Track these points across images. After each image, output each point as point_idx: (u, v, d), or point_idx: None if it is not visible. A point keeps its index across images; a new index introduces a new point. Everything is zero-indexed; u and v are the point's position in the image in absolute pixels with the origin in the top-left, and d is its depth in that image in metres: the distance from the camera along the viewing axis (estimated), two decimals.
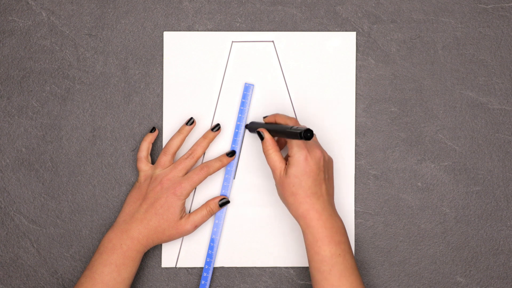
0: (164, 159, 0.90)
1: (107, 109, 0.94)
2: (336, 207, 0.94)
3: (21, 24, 0.94)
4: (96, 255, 0.86)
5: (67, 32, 0.94)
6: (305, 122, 0.94)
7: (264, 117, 0.90)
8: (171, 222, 0.87)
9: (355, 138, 0.94)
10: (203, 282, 0.92)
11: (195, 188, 0.93)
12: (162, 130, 0.94)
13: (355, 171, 0.94)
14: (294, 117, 0.92)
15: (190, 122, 0.92)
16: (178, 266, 0.94)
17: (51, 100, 0.94)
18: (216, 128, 0.92)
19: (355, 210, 0.94)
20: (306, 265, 0.94)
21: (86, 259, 0.94)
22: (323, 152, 0.84)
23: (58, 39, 0.94)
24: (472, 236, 0.94)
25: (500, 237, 0.94)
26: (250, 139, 0.94)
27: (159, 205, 0.87)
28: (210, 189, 0.94)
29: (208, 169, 0.89)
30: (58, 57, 0.94)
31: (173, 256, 0.94)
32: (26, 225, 0.94)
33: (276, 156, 0.85)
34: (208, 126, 0.94)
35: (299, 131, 0.78)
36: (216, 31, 0.94)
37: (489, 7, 0.95)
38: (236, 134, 0.93)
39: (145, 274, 0.94)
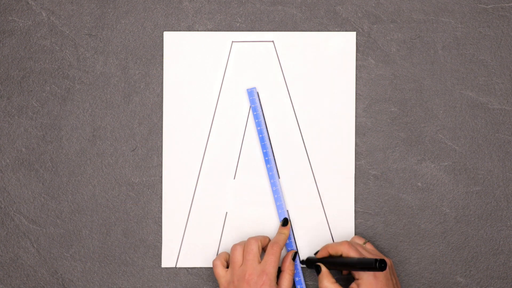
0: (237, 257, 0.89)
1: (107, 109, 0.94)
2: (336, 207, 0.94)
3: (21, 24, 0.94)
4: None
5: (67, 32, 0.94)
6: (305, 122, 0.94)
7: (316, 253, 0.91)
8: None
9: (355, 138, 0.94)
10: None
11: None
12: (162, 130, 0.94)
13: (355, 171, 0.94)
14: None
15: (285, 223, 0.93)
16: (178, 266, 0.94)
17: (51, 100, 0.94)
18: (284, 223, 0.92)
19: (355, 210, 0.94)
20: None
21: (86, 259, 0.94)
22: (386, 260, 0.87)
23: (58, 39, 0.94)
24: (472, 236, 0.94)
25: (500, 237, 0.94)
26: (251, 139, 0.94)
27: None
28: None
29: (280, 246, 0.89)
30: (58, 57, 0.94)
31: (173, 256, 0.94)
32: (26, 225, 0.94)
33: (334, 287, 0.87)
34: (208, 126, 0.94)
35: (373, 261, 0.81)
36: (216, 31, 0.95)
37: (489, 7, 0.95)
38: (262, 139, 0.93)
39: (145, 274, 0.94)
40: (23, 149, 0.94)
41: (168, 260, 0.94)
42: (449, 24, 0.95)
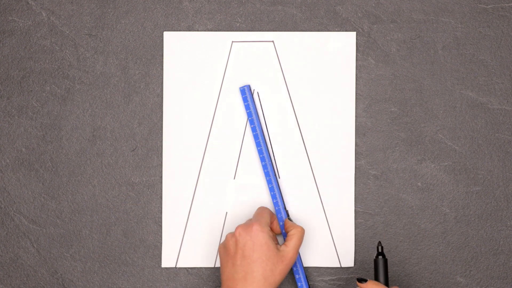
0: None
1: (107, 109, 0.94)
2: (336, 207, 0.94)
3: (21, 24, 0.94)
4: None
5: (67, 32, 0.94)
6: (305, 122, 0.94)
7: (359, 281, 0.83)
8: (273, 257, 0.80)
9: (355, 138, 0.94)
10: None
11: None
12: (162, 130, 0.94)
13: (355, 171, 0.94)
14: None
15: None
16: (178, 266, 0.94)
17: (51, 100, 0.94)
18: None
19: (355, 210, 0.94)
20: (306, 265, 0.94)
21: (86, 259, 0.94)
22: None
23: (58, 39, 0.94)
24: (472, 236, 0.94)
25: (500, 237, 0.94)
26: (251, 139, 0.94)
27: (250, 250, 0.80)
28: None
29: (266, 207, 0.89)
30: (58, 57, 0.94)
31: (173, 256, 0.94)
32: (26, 225, 0.94)
33: None
34: (208, 126, 0.94)
35: None
36: (216, 31, 0.95)
37: (489, 7, 0.95)
38: (256, 137, 0.93)
39: (145, 274, 0.94)
40: (23, 149, 0.94)
41: (168, 260, 0.94)
42: (449, 24, 0.95)
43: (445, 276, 0.94)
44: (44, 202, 0.94)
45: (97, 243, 0.94)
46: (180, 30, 0.95)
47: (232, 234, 0.85)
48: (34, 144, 0.94)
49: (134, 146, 0.94)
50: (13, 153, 0.94)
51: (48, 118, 0.94)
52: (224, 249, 0.85)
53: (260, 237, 0.82)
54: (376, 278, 0.86)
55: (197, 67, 0.94)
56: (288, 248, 0.83)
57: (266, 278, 0.80)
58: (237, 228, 0.85)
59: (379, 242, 0.87)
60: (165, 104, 0.94)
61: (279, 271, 0.81)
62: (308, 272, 0.94)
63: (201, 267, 0.94)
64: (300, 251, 0.94)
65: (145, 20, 0.95)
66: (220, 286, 0.89)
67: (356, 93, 0.94)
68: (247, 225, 0.84)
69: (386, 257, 0.90)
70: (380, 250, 0.86)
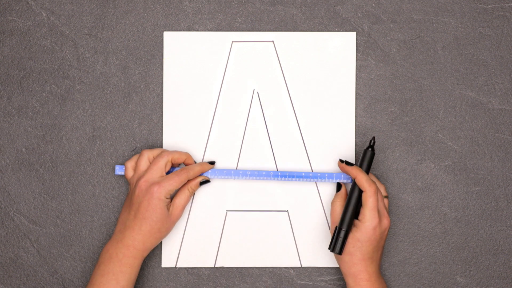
0: (141, 162, 0.90)
1: (107, 109, 0.94)
2: None
3: (21, 24, 0.94)
4: (95, 267, 0.87)
5: (67, 32, 0.94)
6: (305, 122, 0.94)
7: (348, 163, 0.89)
8: (163, 220, 0.87)
9: (355, 138, 0.94)
10: None
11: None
12: (162, 130, 0.94)
13: None
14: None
15: (212, 162, 0.93)
16: (178, 266, 0.94)
17: (51, 100, 0.94)
18: (212, 162, 0.93)
19: None
20: (306, 265, 0.94)
21: (86, 259, 0.94)
22: (389, 220, 0.87)
23: (58, 39, 0.94)
24: (472, 236, 0.94)
25: (500, 237, 0.94)
26: (251, 139, 0.94)
27: (144, 209, 0.86)
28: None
29: (188, 172, 0.89)
30: (58, 57, 0.94)
31: (173, 256, 0.94)
32: (26, 225, 0.94)
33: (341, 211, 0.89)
34: (208, 126, 0.94)
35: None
36: (216, 31, 0.95)
37: (489, 7, 0.95)
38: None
39: (145, 274, 0.94)
40: (23, 149, 0.94)
41: (168, 260, 0.94)
42: (449, 24, 0.95)
43: (445, 276, 0.94)
44: (44, 202, 0.94)
45: (97, 243, 0.94)
46: (180, 30, 0.95)
47: (137, 184, 0.87)
48: (34, 144, 0.94)
49: (134, 146, 0.94)
50: (13, 153, 0.94)
51: (48, 118, 0.94)
52: (128, 195, 0.89)
53: (155, 202, 0.86)
54: (360, 166, 0.89)
55: (197, 67, 0.94)
56: (176, 211, 0.89)
57: (151, 233, 0.87)
58: (142, 177, 0.87)
59: (373, 137, 0.89)
60: (165, 104, 0.94)
61: (166, 229, 0.88)
62: (308, 272, 0.94)
63: (201, 267, 0.94)
64: (301, 251, 0.94)
65: (145, 20, 0.95)
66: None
67: (356, 93, 0.94)
68: (150, 183, 0.87)
69: (375, 152, 0.91)
70: (371, 144, 0.89)
